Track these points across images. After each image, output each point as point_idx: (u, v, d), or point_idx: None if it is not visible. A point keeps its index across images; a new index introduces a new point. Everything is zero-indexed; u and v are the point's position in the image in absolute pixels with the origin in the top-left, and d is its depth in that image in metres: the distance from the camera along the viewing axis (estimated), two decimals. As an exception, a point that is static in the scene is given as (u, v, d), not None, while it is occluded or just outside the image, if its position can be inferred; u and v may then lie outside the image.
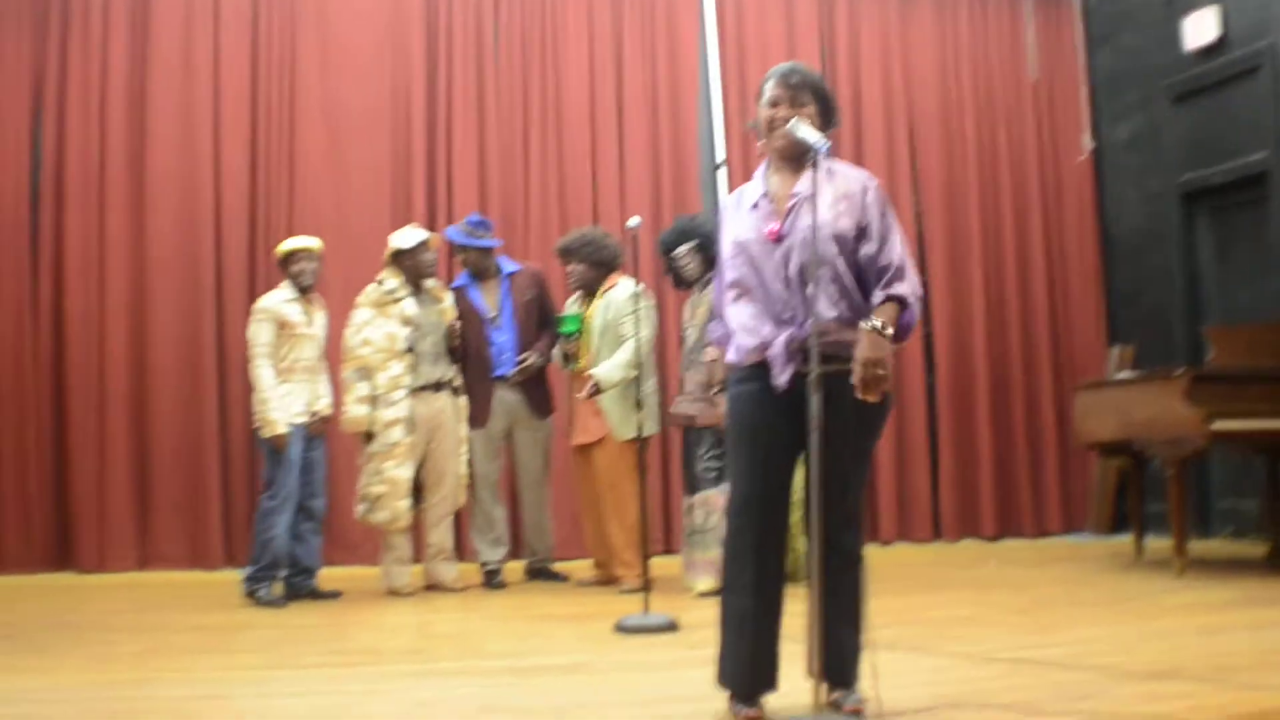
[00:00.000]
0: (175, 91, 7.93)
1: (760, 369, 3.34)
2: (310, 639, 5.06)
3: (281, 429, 5.98)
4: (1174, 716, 3.22)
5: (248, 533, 7.63)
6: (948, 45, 9.15)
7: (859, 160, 8.79)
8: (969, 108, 9.09)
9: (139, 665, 4.42)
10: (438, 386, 6.48)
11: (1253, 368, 6.37)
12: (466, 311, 6.76)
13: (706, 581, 6.04)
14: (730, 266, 3.41)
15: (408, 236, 6.50)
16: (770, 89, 3.41)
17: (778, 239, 3.31)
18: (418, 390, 6.39)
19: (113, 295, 7.72)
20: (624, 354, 6.20)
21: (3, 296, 7.61)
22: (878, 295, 3.26)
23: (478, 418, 6.69)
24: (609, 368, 6.23)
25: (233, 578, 7.28)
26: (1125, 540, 7.54)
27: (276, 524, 6.00)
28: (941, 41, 9.14)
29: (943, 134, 9.05)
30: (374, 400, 6.25)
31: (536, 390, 6.81)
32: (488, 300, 6.82)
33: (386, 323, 6.35)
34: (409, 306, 6.41)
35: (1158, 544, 7.21)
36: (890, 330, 3.19)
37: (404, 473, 6.26)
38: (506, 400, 6.75)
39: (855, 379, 3.16)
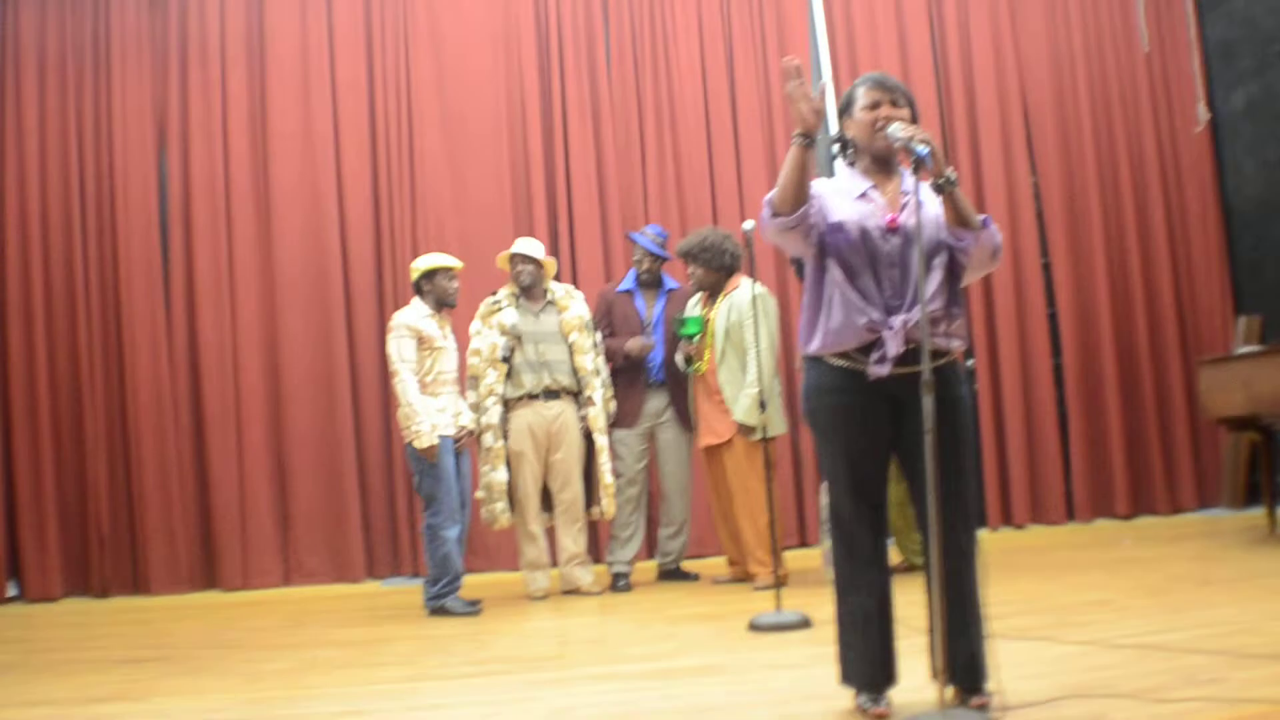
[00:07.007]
0: (295, 115, 8.26)
1: (847, 371, 3.42)
2: (452, 649, 5.17)
3: (431, 440, 6.06)
4: (1295, 699, 3.21)
5: (388, 543, 7.97)
6: (1058, 22, 9.09)
7: (975, 145, 8.84)
8: (1082, 84, 9.01)
9: (288, 683, 4.56)
10: (549, 394, 6.65)
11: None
12: (630, 314, 7.08)
13: None
14: (840, 247, 3.43)
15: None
16: (865, 93, 3.55)
17: (894, 229, 3.43)
18: (528, 398, 6.61)
19: (244, 317, 8.06)
20: (750, 388, 6.31)
21: (138, 327, 7.99)
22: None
23: (628, 417, 6.96)
24: (744, 408, 6.36)
25: (374, 589, 7.56)
26: (1260, 514, 7.45)
27: (448, 539, 6.12)
28: (1052, 19, 9.08)
29: (1057, 113, 8.99)
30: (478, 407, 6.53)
31: (682, 398, 6.98)
32: (648, 309, 7.12)
33: (490, 333, 6.63)
34: (508, 316, 6.62)
35: (1292, 517, 7.12)
36: (954, 183, 3.33)
37: (499, 476, 6.47)
38: (654, 404, 7.00)
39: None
